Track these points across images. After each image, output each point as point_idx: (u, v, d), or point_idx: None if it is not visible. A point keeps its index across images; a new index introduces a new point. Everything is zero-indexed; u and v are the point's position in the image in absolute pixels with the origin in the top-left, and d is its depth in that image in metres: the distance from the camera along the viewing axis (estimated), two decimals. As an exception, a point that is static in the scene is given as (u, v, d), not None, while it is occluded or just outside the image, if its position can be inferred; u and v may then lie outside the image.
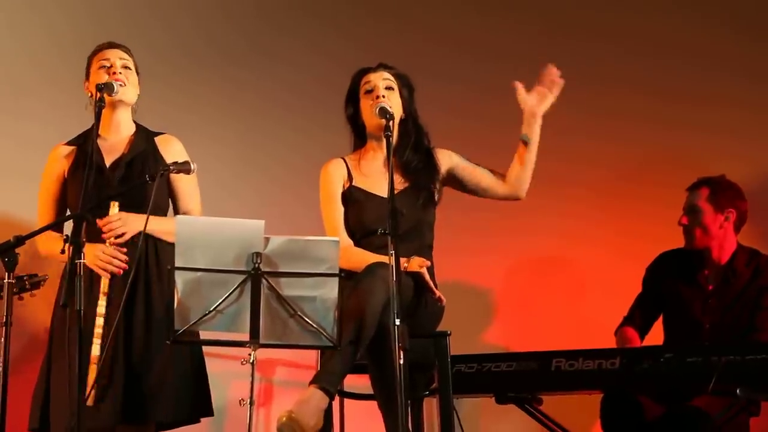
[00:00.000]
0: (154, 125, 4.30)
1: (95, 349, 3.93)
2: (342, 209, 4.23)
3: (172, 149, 4.23)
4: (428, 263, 4.04)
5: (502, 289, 5.47)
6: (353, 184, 4.24)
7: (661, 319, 4.74)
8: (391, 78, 4.23)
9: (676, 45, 5.48)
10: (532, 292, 5.41)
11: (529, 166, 4.25)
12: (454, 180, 4.32)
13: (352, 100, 4.27)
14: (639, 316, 4.72)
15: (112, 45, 4.23)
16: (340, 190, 4.25)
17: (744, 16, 5.47)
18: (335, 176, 4.26)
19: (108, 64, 4.18)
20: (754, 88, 5.40)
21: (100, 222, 4.03)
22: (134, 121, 4.27)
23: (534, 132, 4.22)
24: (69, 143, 4.25)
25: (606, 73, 5.50)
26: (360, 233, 4.18)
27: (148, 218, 3.88)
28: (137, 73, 4.24)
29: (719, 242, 4.62)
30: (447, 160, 4.30)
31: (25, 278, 4.45)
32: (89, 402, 3.91)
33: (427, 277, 4.03)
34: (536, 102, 4.22)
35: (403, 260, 3.87)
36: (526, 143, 4.23)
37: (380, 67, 4.25)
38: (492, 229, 5.34)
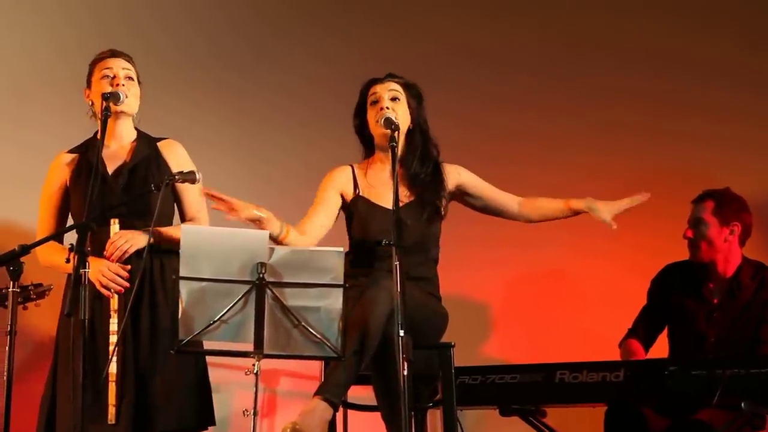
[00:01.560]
0: (155, 131, 4.29)
1: (113, 367, 3.95)
2: (327, 213, 4.21)
3: (175, 154, 4.24)
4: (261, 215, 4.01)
5: (505, 301, 5.46)
6: (359, 194, 4.24)
7: (665, 331, 4.73)
8: (398, 88, 4.22)
9: (682, 58, 5.48)
10: (536, 305, 5.40)
11: (556, 217, 4.41)
12: (462, 196, 4.31)
13: (360, 111, 4.27)
14: (643, 329, 4.71)
15: (114, 54, 4.21)
16: (335, 196, 4.24)
17: (750, 30, 5.47)
18: (336, 181, 4.25)
19: (111, 74, 4.17)
20: (761, 100, 5.40)
21: (105, 250, 4.03)
22: (135, 128, 4.26)
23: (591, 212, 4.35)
24: (70, 151, 4.25)
25: (612, 86, 5.50)
26: (364, 244, 4.17)
27: (152, 230, 3.88)
28: (139, 82, 4.24)
29: (724, 255, 4.61)
30: (455, 176, 4.29)
31: (30, 288, 4.44)
32: (110, 419, 3.94)
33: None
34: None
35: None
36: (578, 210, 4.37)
37: (388, 77, 4.25)
38: (496, 242, 5.33)
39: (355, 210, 4.23)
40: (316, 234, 4.17)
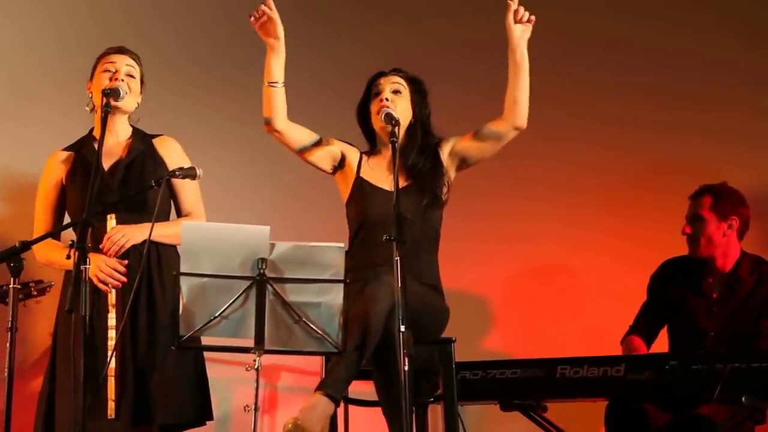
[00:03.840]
0: (158, 130, 4.30)
1: (112, 362, 3.96)
2: (317, 142, 4.23)
3: (170, 150, 4.25)
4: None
5: (506, 296, 5.46)
6: (360, 174, 4.25)
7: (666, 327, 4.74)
8: (401, 82, 4.23)
9: (681, 52, 5.48)
10: (536, 299, 5.41)
11: (521, 86, 4.14)
12: (461, 156, 4.26)
13: (364, 104, 4.28)
14: (644, 325, 4.71)
15: (121, 50, 4.23)
16: (335, 147, 4.25)
17: (749, 24, 5.47)
18: (344, 145, 4.27)
19: (113, 69, 4.17)
20: (759, 95, 5.41)
21: (102, 245, 4.03)
22: (131, 125, 4.27)
23: (519, 52, 4.12)
24: (66, 149, 4.26)
25: (611, 80, 5.50)
26: (361, 223, 4.17)
27: (153, 225, 3.89)
28: (142, 82, 4.24)
29: (723, 250, 4.61)
30: (447, 146, 4.27)
31: (30, 284, 4.45)
32: (110, 414, 3.96)
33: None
34: (520, 32, 4.12)
35: None
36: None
37: (392, 71, 4.27)
38: (496, 236, 5.34)
39: (354, 190, 4.23)
40: (294, 130, 4.19)
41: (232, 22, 5.55)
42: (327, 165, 4.27)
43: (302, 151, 4.23)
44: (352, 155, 4.28)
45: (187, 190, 4.23)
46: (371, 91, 4.25)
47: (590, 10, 5.59)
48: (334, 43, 5.57)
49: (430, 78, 4.32)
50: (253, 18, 4.04)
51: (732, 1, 5.52)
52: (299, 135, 4.21)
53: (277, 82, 4.14)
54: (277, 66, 4.12)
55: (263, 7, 4.03)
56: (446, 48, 5.55)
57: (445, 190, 4.23)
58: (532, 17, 4.10)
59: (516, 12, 4.09)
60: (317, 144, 4.23)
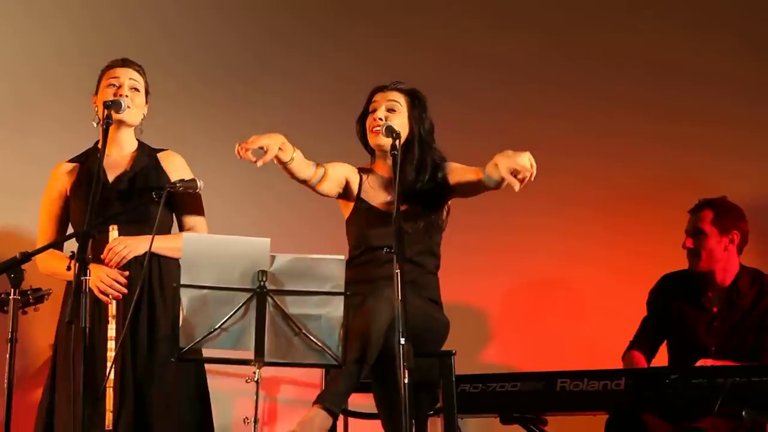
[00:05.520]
0: (160, 142, 4.30)
1: (112, 374, 3.94)
2: (337, 171, 4.22)
3: (174, 164, 4.25)
4: None
5: (506, 309, 5.46)
6: (360, 196, 4.24)
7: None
8: (398, 98, 4.20)
9: (680, 65, 5.49)
10: (536, 313, 5.40)
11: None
12: (454, 190, 4.25)
13: (363, 117, 4.27)
14: (645, 340, 4.70)
15: (125, 63, 4.23)
16: (346, 170, 4.24)
17: (748, 37, 5.48)
18: (351, 168, 4.25)
19: (117, 83, 4.18)
20: (758, 108, 5.41)
21: (103, 255, 4.03)
22: (136, 139, 4.28)
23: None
24: (71, 161, 4.26)
25: (610, 93, 5.51)
26: (362, 247, 4.17)
27: (153, 237, 3.89)
28: (147, 94, 4.25)
29: (723, 264, 4.61)
30: (448, 173, 4.23)
31: (28, 292, 4.44)
32: (108, 426, 3.94)
33: None
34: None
35: None
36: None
37: (391, 85, 4.24)
38: (496, 249, 5.33)
39: (354, 212, 4.23)
40: (312, 171, 4.15)
41: (234, 34, 5.57)
42: (333, 194, 4.26)
43: (314, 186, 4.20)
44: (353, 177, 4.26)
45: (190, 205, 4.23)
46: (369, 106, 4.24)
47: (589, 25, 5.60)
48: (335, 55, 5.58)
49: (427, 89, 4.31)
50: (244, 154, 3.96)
51: (730, 15, 5.53)
52: (309, 172, 4.16)
53: (288, 161, 4.08)
54: (285, 155, 4.06)
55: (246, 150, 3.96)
56: (448, 60, 5.55)
57: (443, 216, 4.22)
58: (534, 176, 3.85)
59: (523, 172, 3.83)
60: (326, 177, 4.20)
